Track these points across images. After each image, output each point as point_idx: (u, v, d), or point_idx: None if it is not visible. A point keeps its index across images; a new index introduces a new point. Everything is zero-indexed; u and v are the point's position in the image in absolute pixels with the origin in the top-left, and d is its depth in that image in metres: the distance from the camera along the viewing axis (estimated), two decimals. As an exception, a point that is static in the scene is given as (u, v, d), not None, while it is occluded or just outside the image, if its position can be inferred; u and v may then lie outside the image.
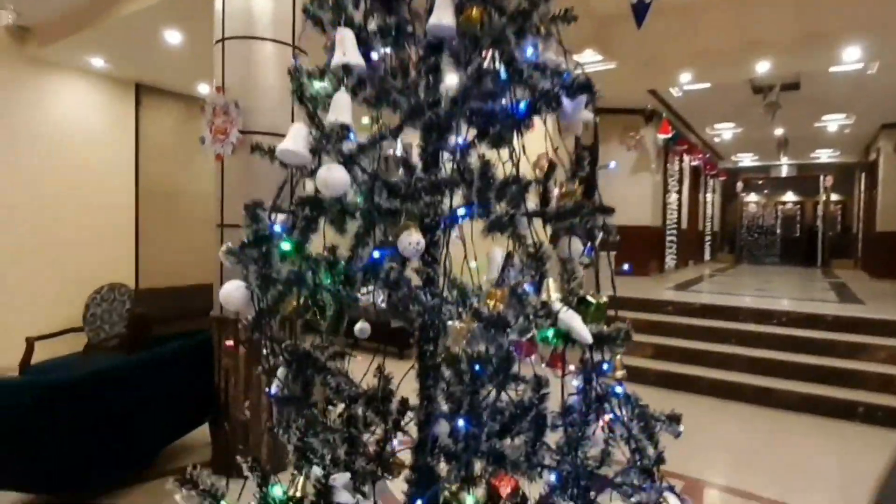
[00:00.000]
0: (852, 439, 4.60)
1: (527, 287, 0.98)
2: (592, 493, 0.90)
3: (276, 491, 0.94)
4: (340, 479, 1.01)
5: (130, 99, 7.08)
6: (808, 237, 17.29)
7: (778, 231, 18.50)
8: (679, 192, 11.84)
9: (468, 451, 1.00)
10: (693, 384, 5.77)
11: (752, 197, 19.00)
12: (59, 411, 2.91)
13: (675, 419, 1.14)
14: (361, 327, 1.56)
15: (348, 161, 1.05)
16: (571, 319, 0.93)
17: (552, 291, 0.96)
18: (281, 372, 1.31)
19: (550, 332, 0.92)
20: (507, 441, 1.05)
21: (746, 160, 16.24)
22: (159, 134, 7.38)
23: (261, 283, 1.05)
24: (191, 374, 3.71)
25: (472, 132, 1.18)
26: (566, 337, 0.92)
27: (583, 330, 0.93)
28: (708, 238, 15.94)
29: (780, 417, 5.12)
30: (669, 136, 9.52)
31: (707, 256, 15.86)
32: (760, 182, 18.48)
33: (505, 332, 0.94)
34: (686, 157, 12.27)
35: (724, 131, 11.92)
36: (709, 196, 15.76)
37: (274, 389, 1.28)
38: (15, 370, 5.08)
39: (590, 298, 0.99)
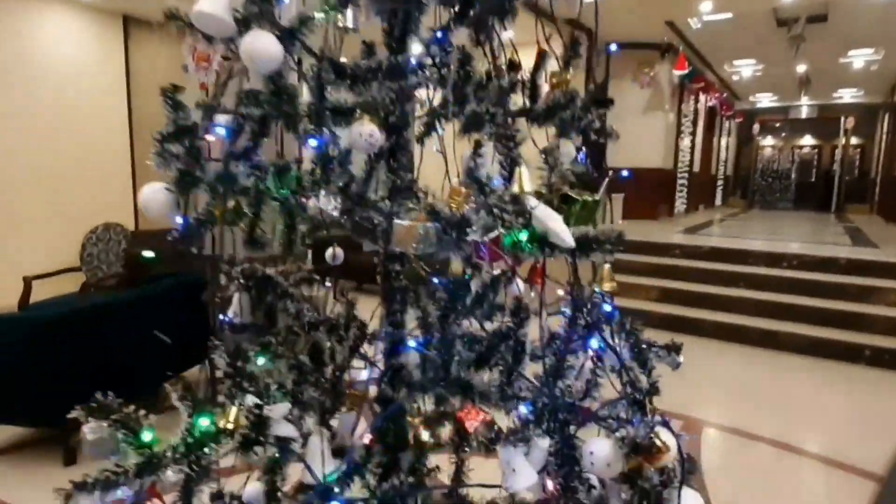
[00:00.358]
0: (857, 381, 4.54)
1: (495, 180, 0.82)
2: (573, 428, 0.79)
3: (203, 422, 0.83)
4: (278, 409, 0.89)
5: (118, 32, 6.75)
6: (825, 182, 16.85)
7: (793, 176, 18.01)
8: (693, 133, 11.41)
9: (434, 382, 0.88)
10: (698, 327, 5.70)
11: (769, 140, 18.40)
12: (54, 345, 2.89)
13: (674, 349, 1.01)
14: (334, 252, 1.42)
15: (287, 36, 0.87)
16: (549, 218, 0.77)
17: (525, 182, 0.79)
18: (237, 297, 1.19)
19: (523, 235, 0.77)
20: (485, 374, 0.92)
21: (765, 101, 15.59)
22: (151, 69, 7.07)
23: (182, 183, 0.90)
24: (185, 313, 3.65)
25: (448, 15, 0.98)
26: (543, 241, 0.77)
27: (563, 232, 0.77)
28: (720, 182, 15.56)
29: (785, 360, 5.06)
30: (686, 72, 9.03)
31: (718, 201, 15.53)
32: (778, 125, 17.83)
33: (465, 233, 0.79)
34: (702, 97, 11.76)
35: (744, 68, 11.34)
36: (723, 139, 15.24)
37: (230, 315, 1.17)
38: (14, 309, 5.08)
39: (574, 195, 0.83)
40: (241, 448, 0.81)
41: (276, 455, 0.86)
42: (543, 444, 0.77)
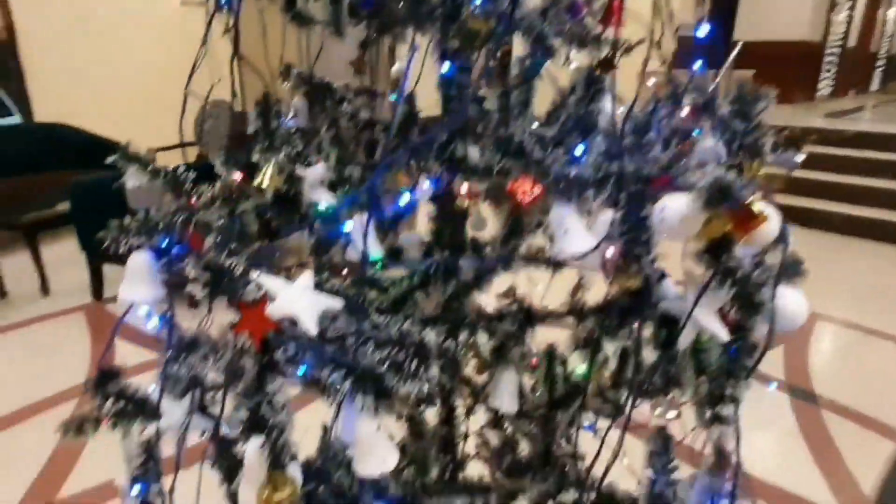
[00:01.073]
0: None
1: None
2: (647, 200, 0.65)
3: (235, 175, 0.80)
4: (314, 172, 0.84)
5: None
6: None
7: (982, 55, 14.63)
8: (853, -2, 9.43)
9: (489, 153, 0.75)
10: (826, 220, 5.06)
11: (957, 10, 14.88)
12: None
13: (792, 142, 0.80)
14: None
15: None
16: None
17: None
18: (294, 101, 1.14)
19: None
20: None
21: (961, -45, 12.38)
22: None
23: None
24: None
25: None
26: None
27: None
28: (881, 62, 13.02)
29: (931, 259, 4.40)
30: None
31: (875, 85, 13.11)
32: (974, -12, 14.26)
33: None
34: (873, -50, 9.55)
35: None
36: (893, 9, 12.50)
37: (290, 120, 1.12)
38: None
39: None
40: (273, 208, 0.78)
41: (319, 233, 0.83)
42: (606, 215, 0.65)
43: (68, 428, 0.81)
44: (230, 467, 0.67)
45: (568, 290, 0.96)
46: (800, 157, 0.81)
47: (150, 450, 0.75)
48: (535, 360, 1.04)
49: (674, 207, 0.57)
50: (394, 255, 1.03)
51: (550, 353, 1.07)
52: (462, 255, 0.92)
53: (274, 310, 0.57)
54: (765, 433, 2.42)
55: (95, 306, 3.67)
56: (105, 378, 0.75)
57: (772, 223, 0.57)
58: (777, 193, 0.75)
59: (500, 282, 1.01)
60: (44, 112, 5.65)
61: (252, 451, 0.55)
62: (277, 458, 0.53)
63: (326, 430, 0.78)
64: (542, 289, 0.95)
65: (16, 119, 5.09)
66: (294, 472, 0.55)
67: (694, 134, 0.74)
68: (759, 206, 0.56)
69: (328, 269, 0.76)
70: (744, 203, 0.54)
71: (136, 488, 0.74)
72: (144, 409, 0.76)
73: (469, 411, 1.28)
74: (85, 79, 5.97)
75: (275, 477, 0.52)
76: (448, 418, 1.07)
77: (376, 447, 0.59)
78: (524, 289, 0.97)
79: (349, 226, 0.74)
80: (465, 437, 1.17)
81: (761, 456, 2.27)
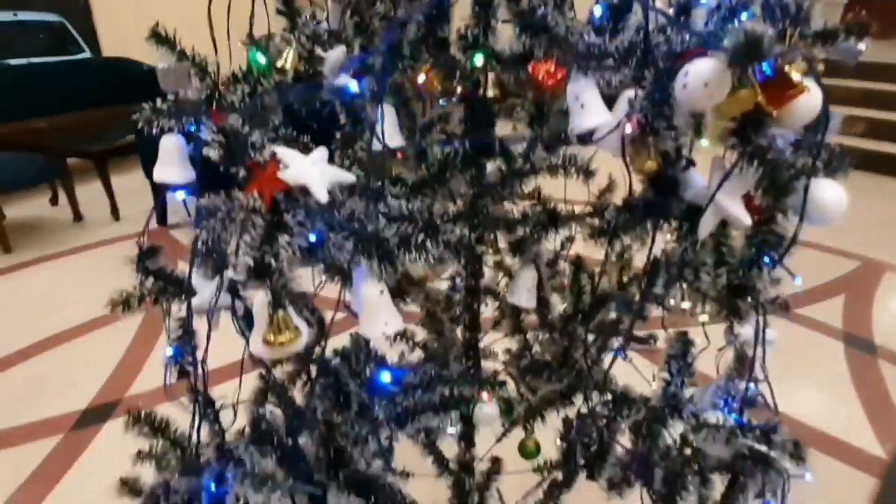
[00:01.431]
0: None
1: None
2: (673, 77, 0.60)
3: (260, 58, 0.81)
4: (333, 54, 0.84)
5: None
6: None
7: None
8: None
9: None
10: (911, 168, 4.63)
11: None
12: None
13: (856, 30, 0.72)
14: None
15: None
16: None
17: None
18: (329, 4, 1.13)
19: None
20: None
21: None
22: None
23: None
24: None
25: None
26: None
27: None
28: None
29: None
30: None
31: None
32: None
33: None
34: None
35: None
36: None
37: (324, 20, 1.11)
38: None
39: None
40: (293, 90, 0.79)
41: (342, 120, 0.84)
42: (627, 93, 0.61)
43: (116, 303, 0.89)
44: (246, 317, 0.72)
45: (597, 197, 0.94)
46: (862, 46, 0.73)
47: (185, 324, 0.82)
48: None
49: (697, 72, 0.53)
50: (420, 156, 1.03)
51: (577, 264, 1.06)
52: (485, 145, 0.90)
53: (286, 176, 0.58)
54: (814, 380, 2.34)
55: (160, 231, 3.91)
56: (145, 255, 0.81)
57: (812, 98, 0.52)
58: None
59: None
60: (111, 47, 5.85)
61: (259, 298, 0.58)
62: (279, 301, 0.56)
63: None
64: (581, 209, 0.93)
65: (86, 55, 5.30)
66: (299, 322, 0.59)
67: (743, 17, 0.68)
68: (796, 75, 0.51)
69: (351, 159, 0.77)
70: (779, 69, 0.49)
71: (170, 351, 0.81)
72: (181, 288, 0.81)
73: (495, 324, 1.30)
74: (150, 12, 6.10)
75: (277, 319, 0.56)
76: (472, 325, 1.09)
77: (380, 311, 0.62)
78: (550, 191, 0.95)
79: (354, 86, 0.74)
80: (486, 351, 1.20)
81: (807, 401, 2.21)
